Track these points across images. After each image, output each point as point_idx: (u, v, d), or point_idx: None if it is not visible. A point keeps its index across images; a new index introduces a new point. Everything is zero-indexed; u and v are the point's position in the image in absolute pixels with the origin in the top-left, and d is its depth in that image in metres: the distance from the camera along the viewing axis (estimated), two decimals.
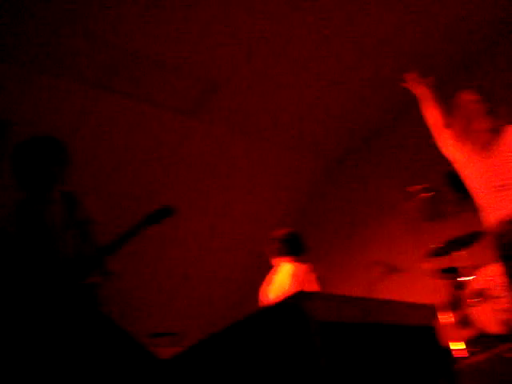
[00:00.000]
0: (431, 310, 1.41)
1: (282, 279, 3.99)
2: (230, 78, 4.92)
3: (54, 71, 4.39)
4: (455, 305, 4.01)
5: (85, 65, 4.45)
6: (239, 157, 5.77)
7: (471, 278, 3.97)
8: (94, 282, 3.24)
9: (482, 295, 3.81)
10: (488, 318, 3.71)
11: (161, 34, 4.35)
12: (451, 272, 4.24)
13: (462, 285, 4.08)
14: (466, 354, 3.58)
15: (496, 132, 3.04)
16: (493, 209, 2.96)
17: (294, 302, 1.10)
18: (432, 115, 3.29)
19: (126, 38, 4.32)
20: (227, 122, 5.40)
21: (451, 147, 3.21)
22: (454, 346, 3.63)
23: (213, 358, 1.28)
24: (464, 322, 3.89)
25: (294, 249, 4.13)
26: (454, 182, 4.35)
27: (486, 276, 3.83)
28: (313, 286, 3.89)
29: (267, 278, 4.18)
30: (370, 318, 1.16)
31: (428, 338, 1.31)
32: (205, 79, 4.87)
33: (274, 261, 4.17)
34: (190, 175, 5.70)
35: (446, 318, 3.96)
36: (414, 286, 5.06)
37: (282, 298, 1.17)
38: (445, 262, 4.25)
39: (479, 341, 3.69)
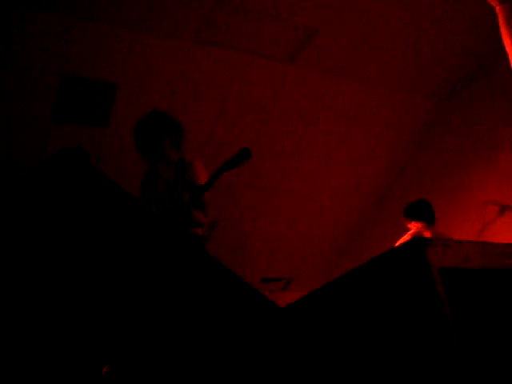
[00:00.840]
0: None
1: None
2: (328, 21, 4.79)
3: (151, 29, 4.47)
4: None
5: (183, 20, 4.49)
6: (339, 103, 5.65)
7: None
8: (198, 234, 3.42)
9: None
10: None
11: None
12: None
13: None
14: None
15: None
16: None
17: (414, 247, 1.09)
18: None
19: None
20: (326, 67, 5.29)
21: None
22: None
23: (329, 308, 1.29)
24: None
25: (425, 215, 4.35)
26: None
27: None
28: None
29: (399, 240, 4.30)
30: (498, 263, 1.13)
31: None
32: (302, 25, 4.77)
33: (409, 225, 4.42)
34: (288, 124, 5.68)
35: None
36: None
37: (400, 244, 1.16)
38: None
39: None
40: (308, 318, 1.32)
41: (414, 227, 4.34)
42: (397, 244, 4.09)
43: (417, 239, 1.10)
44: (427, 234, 4.29)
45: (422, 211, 4.34)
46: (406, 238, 4.31)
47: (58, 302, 1.45)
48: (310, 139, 5.89)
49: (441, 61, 5.52)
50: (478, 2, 4.80)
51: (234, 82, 5.14)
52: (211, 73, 5.01)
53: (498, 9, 2.42)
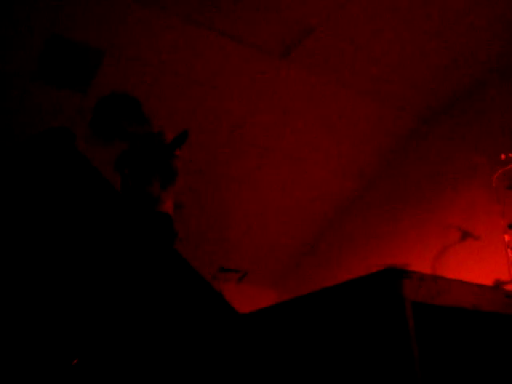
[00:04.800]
0: None
1: None
2: (324, 21, 4.77)
3: (151, 4, 4.39)
4: None
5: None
6: (326, 103, 5.65)
7: None
8: (166, 213, 3.38)
9: None
10: None
11: None
12: None
13: None
14: None
15: None
16: None
17: (388, 279, 1.08)
18: None
19: None
20: (317, 67, 5.28)
21: None
22: None
23: (290, 325, 1.27)
24: None
25: None
26: None
27: None
28: None
29: None
30: (470, 303, 1.13)
31: None
32: (299, 22, 4.74)
33: None
34: (274, 118, 5.66)
35: None
36: (488, 255, 4.93)
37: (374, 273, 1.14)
38: None
39: None
40: (266, 332, 1.30)
41: None
42: None
43: (393, 269, 1.09)
44: None
45: None
46: None
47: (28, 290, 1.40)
48: (289, 136, 5.88)
49: (428, 83, 5.57)
50: (478, 27, 4.87)
51: (221, 68, 5.09)
52: (199, 55, 4.95)
53: None
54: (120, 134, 3.45)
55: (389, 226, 6.01)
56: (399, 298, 1.04)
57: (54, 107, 4.64)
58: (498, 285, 4.50)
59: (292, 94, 5.47)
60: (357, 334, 1.09)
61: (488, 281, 4.62)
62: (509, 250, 4.09)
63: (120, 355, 1.38)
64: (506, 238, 4.09)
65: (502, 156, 4.17)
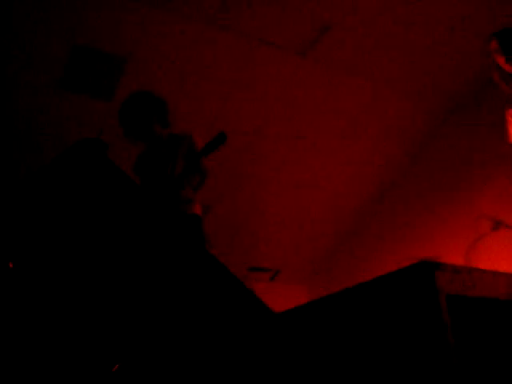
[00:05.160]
0: None
1: None
2: (344, 17, 4.75)
3: (167, 6, 4.42)
4: None
5: (197, 2, 4.45)
6: (348, 99, 5.63)
7: None
8: (196, 214, 3.40)
9: None
10: None
11: None
12: None
13: None
14: None
15: None
16: None
17: (424, 270, 1.08)
18: None
19: None
20: (337, 63, 5.26)
21: None
22: None
23: (327, 322, 1.27)
24: None
25: None
26: None
27: None
28: None
29: None
30: (506, 294, 1.12)
31: None
32: (318, 18, 4.73)
33: None
34: (295, 115, 5.66)
35: None
36: None
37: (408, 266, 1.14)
38: None
39: None
40: (302, 330, 1.31)
41: None
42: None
43: (427, 262, 1.09)
44: None
45: None
46: None
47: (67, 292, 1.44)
48: (313, 133, 5.87)
49: (452, 73, 5.51)
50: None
51: (243, 69, 5.11)
52: (221, 57, 4.97)
53: None
54: (148, 133, 3.47)
55: (420, 219, 5.95)
56: (434, 290, 1.04)
57: (80, 116, 4.72)
58: None
59: (313, 92, 5.45)
60: (394, 327, 1.09)
61: None
62: None
63: (158, 354, 1.40)
64: None
65: None
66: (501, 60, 3.25)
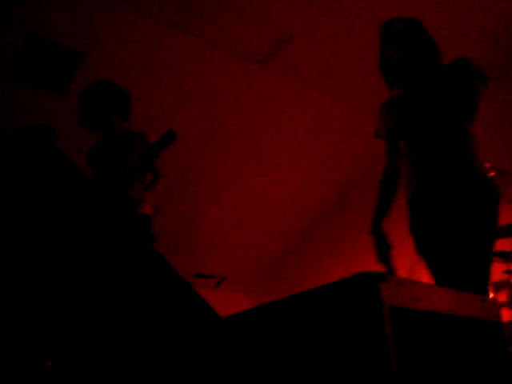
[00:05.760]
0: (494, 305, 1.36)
1: None
2: (305, 30, 4.79)
3: (129, 5, 4.36)
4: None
5: (160, 3, 4.41)
6: (304, 112, 5.67)
7: None
8: (146, 215, 3.34)
9: None
10: None
11: None
12: (505, 256, 4.12)
13: None
14: None
15: None
16: None
17: (366, 283, 1.08)
18: None
19: None
20: (295, 75, 5.29)
21: None
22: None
23: (267, 329, 1.26)
24: None
25: None
26: None
27: None
28: None
29: None
30: (445, 308, 1.13)
31: (493, 335, 1.27)
32: (279, 29, 4.75)
33: None
34: (250, 125, 5.66)
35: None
36: None
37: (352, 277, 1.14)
38: (503, 245, 4.12)
39: None
40: (243, 337, 1.29)
41: None
42: None
43: (371, 273, 1.09)
44: None
45: None
46: None
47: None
48: (268, 142, 5.88)
49: None
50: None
51: (202, 72, 5.08)
52: (179, 59, 4.93)
53: None
54: (105, 123, 3.36)
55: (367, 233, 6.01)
56: (377, 302, 1.04)
57: (32, 108, 4.59)
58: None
59: (269, 102, 5.47)
60: (336, 337, 1.09)
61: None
62: None
63: (97, 356, 1.36)
64: None
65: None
66: None
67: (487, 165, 4.20)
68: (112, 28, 4.44)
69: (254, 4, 4.48)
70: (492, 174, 4.20)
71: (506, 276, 4.11)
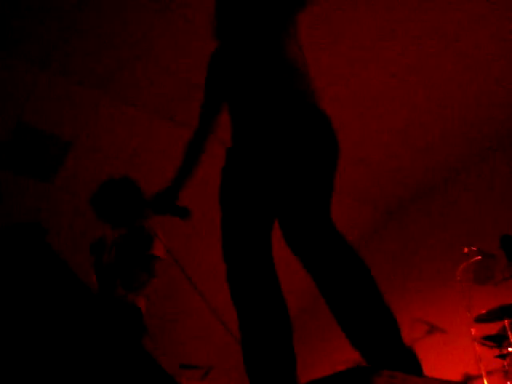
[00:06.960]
0: None
1: None
2: None
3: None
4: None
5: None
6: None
7: None
8: (137, 308, 3.26)
9: None
10: None
11: None
12: (497, 340, 4.07)
13: (507, 355, 3.91)
14: None
15: None
16: None
17: (359, 377, 1.05)
18: None
19: None
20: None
21: None
22: None
23: None
24: None
25: None
26: (509, 247, 4.20)
27: None
28: None
29: None
30: None
31: None
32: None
33: None
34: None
35: None
36: (456, 349, 4.89)
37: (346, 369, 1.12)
38: (494, 328, 4.07)
39: None
40: None
41: None
42: None
43: (364, 367, 1.07)
44: None
45: None
46: None
47: None
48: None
49: (390, 177, 5.72)
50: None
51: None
52: (169, 147, 4.95)
53: None
54: (125, 220, 3.26)
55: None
56: None
57: (21, 197, 4.59)
58: (466, 380, 4.43)
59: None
60: None
61: (457, 375, 4.55)
62: (476, 343, 4.04)
63: None
64: (473, 331, 4.06)
65: (465, 249, 4.22)
66: None
67: (473, 248, 4.25)
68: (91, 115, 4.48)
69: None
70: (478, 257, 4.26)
71: (499, 361, 4.03)
